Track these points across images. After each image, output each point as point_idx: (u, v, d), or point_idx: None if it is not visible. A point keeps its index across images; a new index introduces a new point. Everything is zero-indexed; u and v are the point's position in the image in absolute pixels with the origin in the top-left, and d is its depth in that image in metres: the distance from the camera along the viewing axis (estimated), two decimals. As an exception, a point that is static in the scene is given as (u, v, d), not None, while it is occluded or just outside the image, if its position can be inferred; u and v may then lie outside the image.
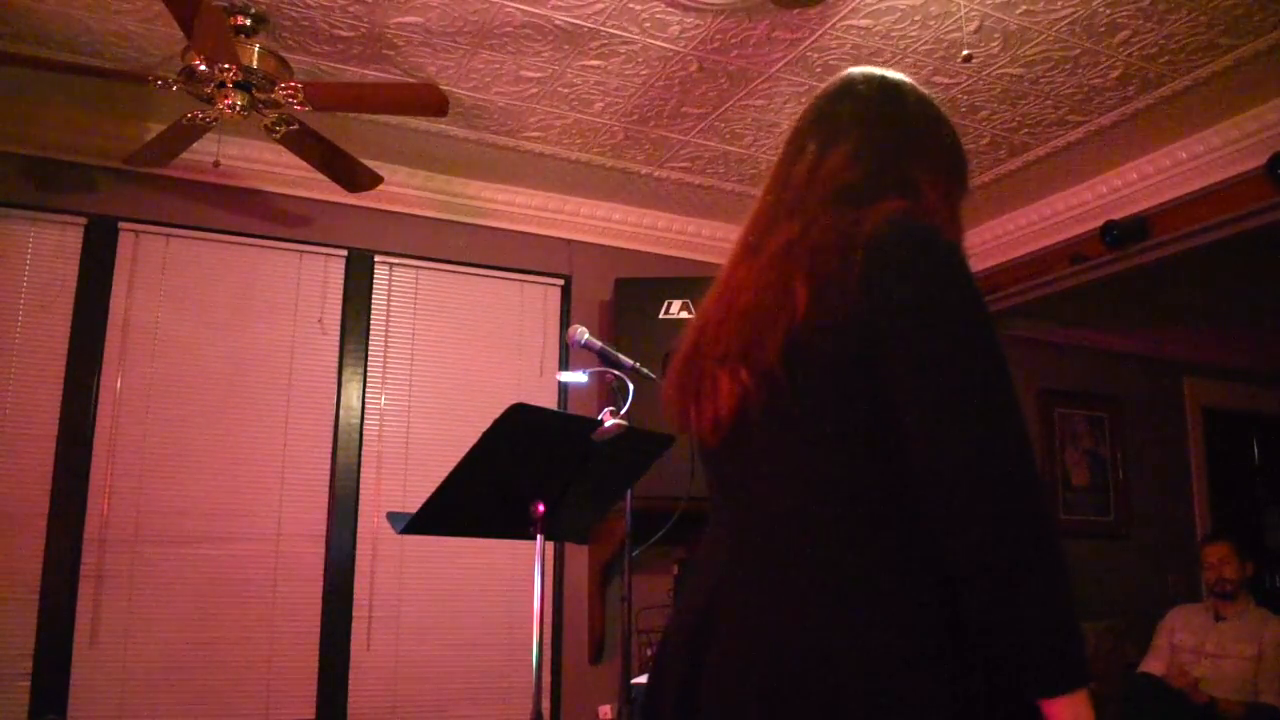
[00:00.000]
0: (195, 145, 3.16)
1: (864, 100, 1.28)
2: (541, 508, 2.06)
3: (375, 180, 3.41)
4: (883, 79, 1.31)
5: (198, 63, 2.69)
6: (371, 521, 3.84)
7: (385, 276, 4.07)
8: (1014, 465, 1.01)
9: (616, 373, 2.48)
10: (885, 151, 1.23)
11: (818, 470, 1.12)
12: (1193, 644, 4.08)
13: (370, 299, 4.02)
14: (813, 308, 1.09)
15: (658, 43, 3.06)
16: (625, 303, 4.13)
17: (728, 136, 3.74)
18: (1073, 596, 1.00)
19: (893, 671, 1.02)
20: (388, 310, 4.06)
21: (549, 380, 4.27)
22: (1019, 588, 0.98)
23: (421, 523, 2.05)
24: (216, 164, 3.34)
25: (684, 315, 4.08)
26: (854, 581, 1.07)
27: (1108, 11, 2.84)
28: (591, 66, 3.21)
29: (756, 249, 1.24)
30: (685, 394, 1.25)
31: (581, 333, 2.51)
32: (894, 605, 1.05)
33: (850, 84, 1.31)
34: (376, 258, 4.06)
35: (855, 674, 1.02)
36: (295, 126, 3.04)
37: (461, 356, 4.15)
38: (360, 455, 3.89)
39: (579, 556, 4.14)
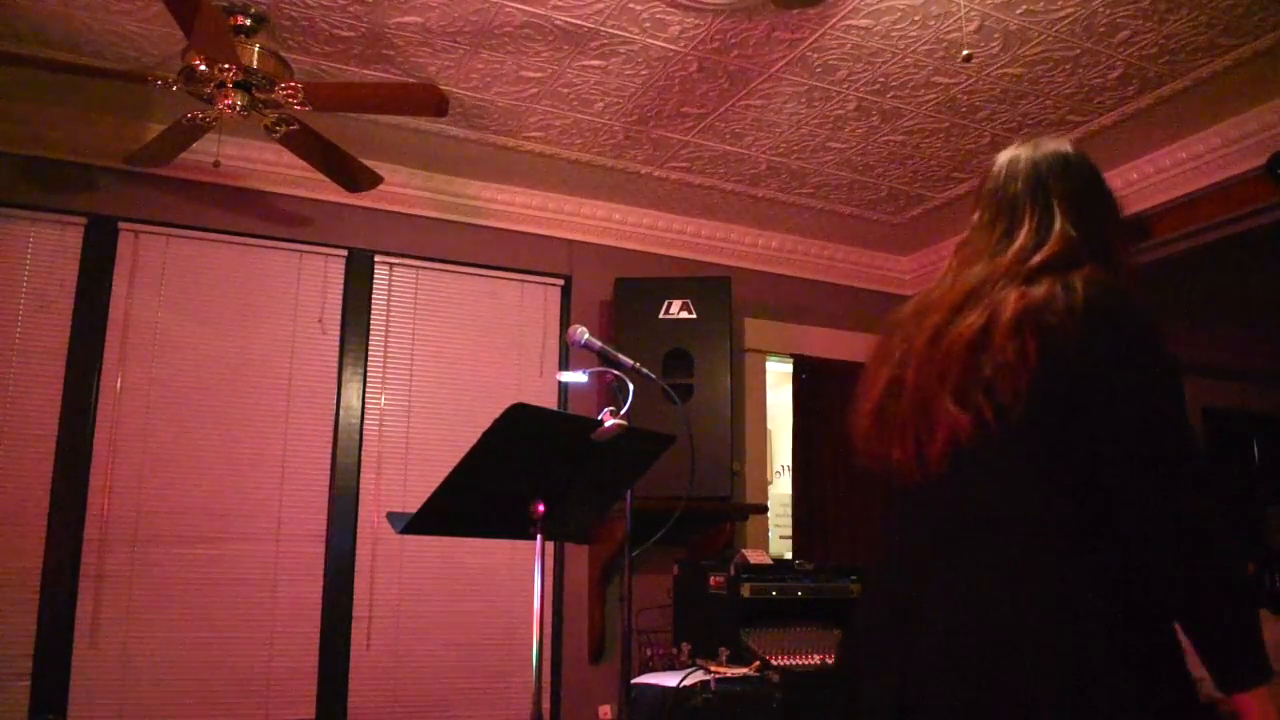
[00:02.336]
0: (195, 145, 3.16)
1: (1062, 179, 1.49)
2: (541, 508, 2.06)
3: (375, 180, 3.41)
4: (1075, 160, 1.52)
5: (198, 63, 2.69)
6: (371, 521, 3.84)
7: (385, 276, 4.07)
8: (1211, 525, 1.24)
9: (616, 373, 2.47)
10: (1083, 224, 1.45)
11: (1026, 499, 1.31)
12: (1193, 644, 4.08)
13: (370, 299, 4.02)
14: (1042, 358, 1.28)
15: (658, 43, 3.06)
16: (625, 303, 4.13)
17: (728, 136, 3.74)
18: (1255, 614, 1.26)
19: (1091, 679, 1.22)
20: (388, 310, 4.06)
21: (549, 380, 4.27)
22: (1216, 620, 1.24)
23: (421, 523, 2.05)
24: (216, 164, 3.33)
25: (684, 315, 4.08)
26: (1060, 600, 1.26)
27: (1108, 11, 2.85)
28: (591, 66, 3.21)
29: (972, 296, 1.39)
30: (896, 440, 1.41)
31: (581, 333, 2.51)
32: (1093, 622, 1.25)
33: (1041, 164, 1.51)
34: (376, 258, 4.06)
35: (1058, 680, 1.22)
36: (295, 126, 3.04)
37: (461, 356, 4.15)
38: (360, 455, 3.89)
39: (579, 556, 4.13)
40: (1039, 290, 1.33)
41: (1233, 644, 1.26)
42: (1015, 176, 1.52)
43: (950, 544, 1.35)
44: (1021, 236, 1.44)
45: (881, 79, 3.27)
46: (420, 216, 4.14)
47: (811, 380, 4.77)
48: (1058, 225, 1.43)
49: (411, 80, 3.28)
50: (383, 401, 3.98)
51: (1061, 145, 1.54)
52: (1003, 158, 1.56)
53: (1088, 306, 1.29)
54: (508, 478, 2.04)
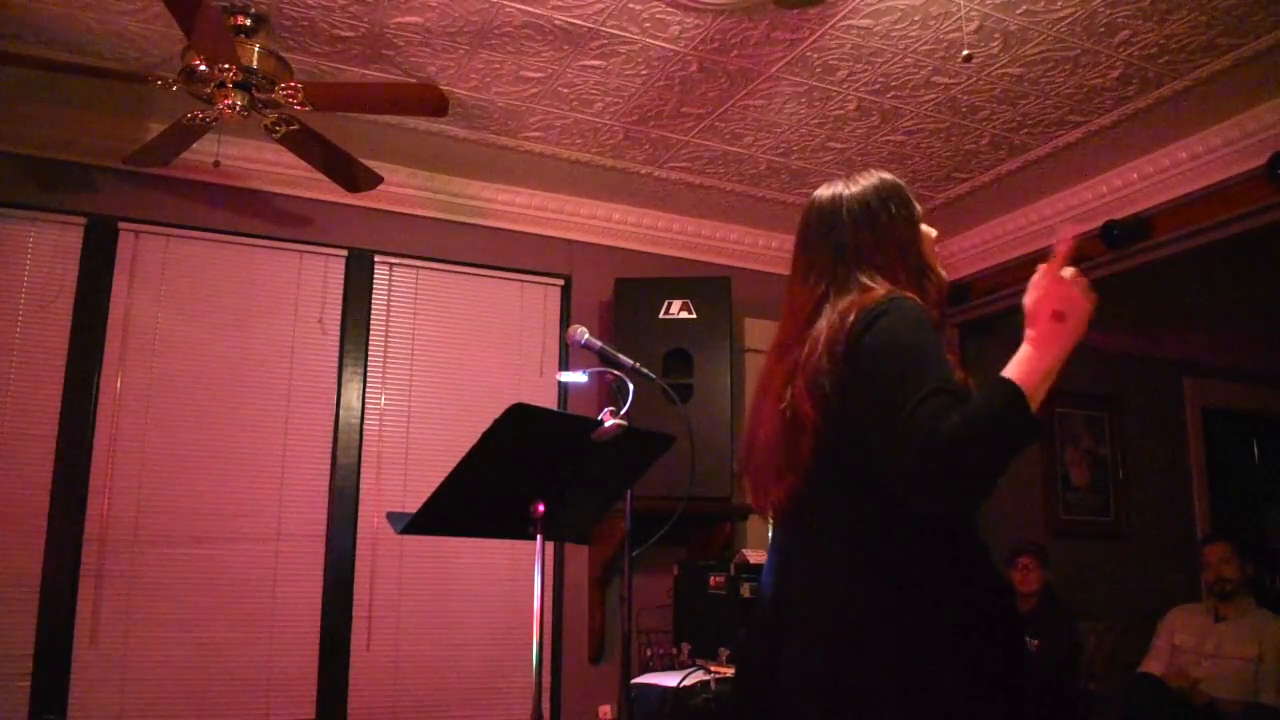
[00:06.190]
0: (195, 145, 3.16)
1: (843, 231, 1.59)
2: (541, 508, 2.06)
3: (375, 180, 3.41)
4: (860, 207, 1.59)
5: (198, 63, 2.70)
6: (371, 521, 3.84)
7: (385, 276, 4.07)
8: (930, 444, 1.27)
9: (616, 373, 2.47)
10: (870, 264, 1.55)
11: (840, 513, 1.48)
12: (1193, 644, 4.08)
13: (370, 299, 4.02)
14: (819, 412, 1.43)
15: (658, 43, 3.06)
16: (625, 303, 4.13)
17: (728, 136, 3.74)
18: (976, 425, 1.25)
19: (913, 647, 1.34)
20: (388, 310, 4.06)
21: (549, 380, 4.27)
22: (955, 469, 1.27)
23: (421, 523, 2.05)
24: (216, 164, 3.33)
25: (684, 315, 4.08)
26: (870, 586, 1.41)
27: (1108, 11, 2.85)
28: (591, 66, 3.21)
29: (771, 373, 1.58)
30: (756, 492, 1.63)
31: (581, 333, 2.51)
32: (904, 599, 1.38)
33: (835, 215, 1.61)
34: (376, 258, 4.06)
35: (885, 650, 1.35)
36: (295, 126, 3.04)
37: (461, 356, 4.15)
38: (360, 455, 3.89)
39: (579, 556, 4.13)
40: (817, 333, 1.47)
41: (994, 442, 1.26)
42: (813, 225, 1.63)
43: (800, 550, 1.55)
44: (823, 301, 1.54)
45: (881, 79, 3.27)
46: (420, 216, 4.14)
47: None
48: (853, 276, 1.54)
49: (411, 80, 3.27)
50: (383, 401, 3.98)
51: (862, 184, 1.61)
52: (817, 196, 1.65)
53: (859, 316, 1.42)
54: (508, 478, 2.04)
